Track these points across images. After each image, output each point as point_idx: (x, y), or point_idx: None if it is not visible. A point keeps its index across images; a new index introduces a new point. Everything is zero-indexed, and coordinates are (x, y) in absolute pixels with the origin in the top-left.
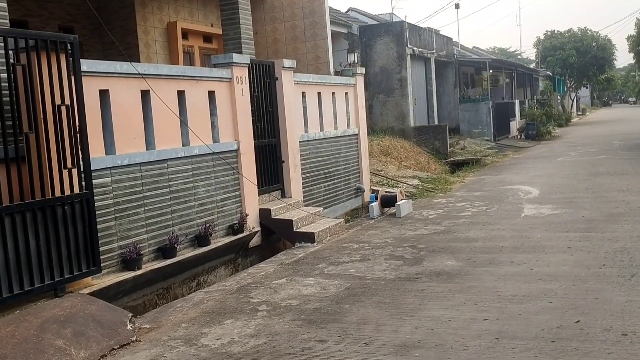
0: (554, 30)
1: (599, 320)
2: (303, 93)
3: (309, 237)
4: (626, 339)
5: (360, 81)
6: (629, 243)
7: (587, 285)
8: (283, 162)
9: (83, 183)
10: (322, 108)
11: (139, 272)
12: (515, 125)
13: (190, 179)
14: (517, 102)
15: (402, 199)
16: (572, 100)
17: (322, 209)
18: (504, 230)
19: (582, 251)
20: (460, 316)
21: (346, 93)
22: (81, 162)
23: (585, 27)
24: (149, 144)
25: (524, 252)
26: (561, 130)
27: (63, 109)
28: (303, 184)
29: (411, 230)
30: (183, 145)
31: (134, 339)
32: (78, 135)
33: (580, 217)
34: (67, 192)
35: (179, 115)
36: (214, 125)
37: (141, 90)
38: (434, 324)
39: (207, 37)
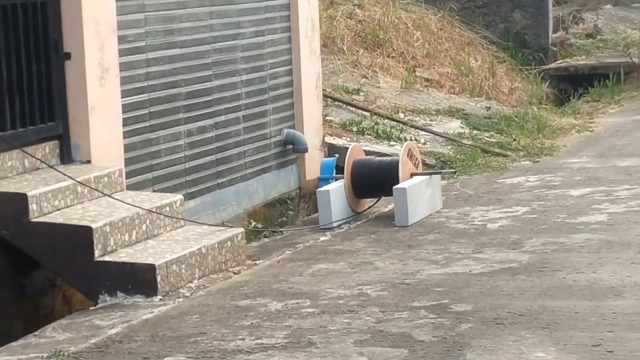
0: None
1: None
2: None
3: (141, 279)
4: None
5: None
6: None
7: None
8: (68, 58)
9: None
10: None
11: None
12: None
13: None
14: None
15: (411, 172)
16: None
17: (180, 197)
18: None
19: None
20: None
21: None
22: None
23: None
24: None
25: None
26: None
27: None
28: (127, 125)
29: (435, 263)
30: None
31: None
32: None
33: None
34: None
35: None
36: None
37: None
38: None
39: None
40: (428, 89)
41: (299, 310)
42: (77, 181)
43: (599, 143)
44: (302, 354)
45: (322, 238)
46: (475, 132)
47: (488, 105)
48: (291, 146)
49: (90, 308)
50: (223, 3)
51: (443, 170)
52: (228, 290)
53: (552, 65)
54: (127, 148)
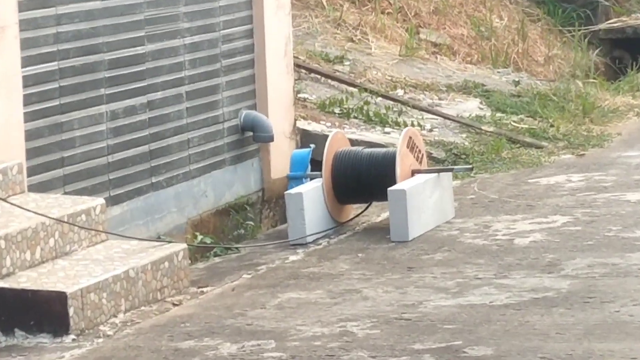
0: None
1: None
2: None
3: (48, 312)
4: None
5: None
6: None
7: None
8: None
9: None
10: None
11: None
12: None
13: None
14: None
15: (412, 169)
16: None
17: (102, 202)
18: None
19: None
20: None
21: None
22: None
23: None
24: None
25: None
26: None
27: None
28: (29, 104)
29: (444, 292)
30: None
31: None
32: None
33: None
34: None
35: None
36: None
37: None
38: None
39: None
40: (436, 57)
41: (260, 354)
42: None
43: None
44: None
45: (293, 257)
46: (499, 115)
47: (517, 79)
48: (251, 133)
49: None
50: None
51: (456, 167)
52: (165, 328)
53: (603, 25)
54: (30, 135)
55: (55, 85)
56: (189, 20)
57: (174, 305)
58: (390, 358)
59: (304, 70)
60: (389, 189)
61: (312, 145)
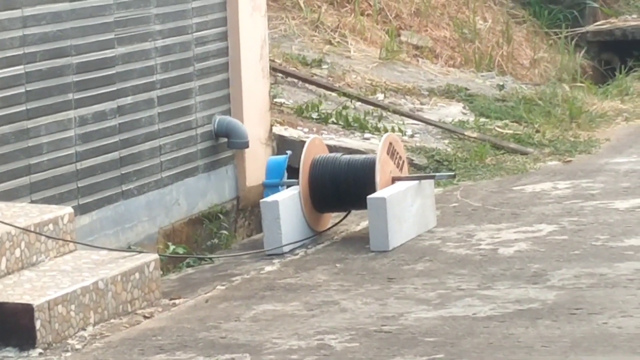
0: None
1: None
2: None
3: (13, 325)
4: None
5: None
6: None
7: None
8: None
9: None
10: None
11: None
12: None
13: None
14: None
15: (392, 176)
16: None
17: (70, 211)
18: None
19: None
20: None
21: None
22: None
23: None
24: None
25: None
26: None
27: None
28: None
29: (426, 304)
30: None
31: None
32: None
33: None
34: None
35: None
36: None
37: None
38: None
39: None
40: (418, 60)
41: None
42: None
43: None
44: None
45: (269, 268)
46: (483, 120)
47: (501, 83)
48: (226, 139)
49: None
50: None
51: (438, 174)
52: (136, 341)
53: (591, 27)
54: None
55: (21, 89)
56: (160, 22)
57: (145, 317)
58: None
59: (280, 74)
60: (369, 197)
61: (289, 152)
